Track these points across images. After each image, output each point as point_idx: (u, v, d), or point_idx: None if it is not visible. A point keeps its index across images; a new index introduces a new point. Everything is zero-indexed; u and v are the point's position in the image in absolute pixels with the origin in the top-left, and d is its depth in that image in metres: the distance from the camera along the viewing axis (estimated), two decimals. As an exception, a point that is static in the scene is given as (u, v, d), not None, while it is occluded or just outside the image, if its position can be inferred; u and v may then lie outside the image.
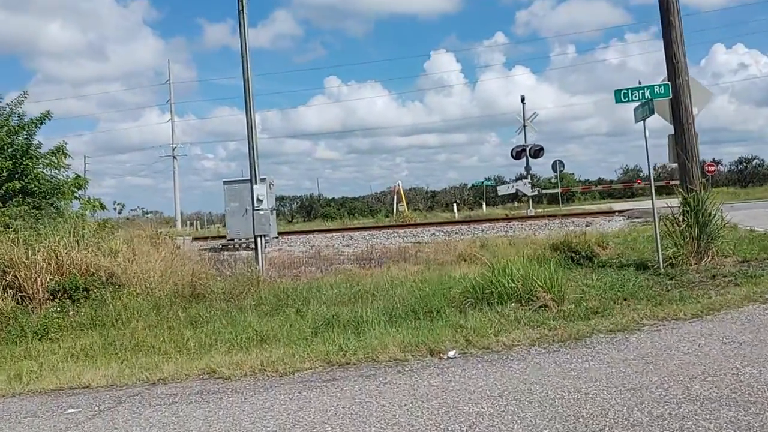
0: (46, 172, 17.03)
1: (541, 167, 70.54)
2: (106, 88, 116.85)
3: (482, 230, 23.56)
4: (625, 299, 8.03)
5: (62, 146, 17.09)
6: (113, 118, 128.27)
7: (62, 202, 16.95)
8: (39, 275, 10.88)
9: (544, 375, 5.26)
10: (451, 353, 6.23)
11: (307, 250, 20.44)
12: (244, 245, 21.01)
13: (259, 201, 13.56)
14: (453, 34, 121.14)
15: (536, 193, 34.19)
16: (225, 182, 22.21)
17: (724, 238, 10.31)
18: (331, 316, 8.43)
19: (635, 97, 9.69)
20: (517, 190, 33.14)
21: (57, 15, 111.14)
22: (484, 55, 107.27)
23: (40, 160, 16.65)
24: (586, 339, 6.38)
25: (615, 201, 57.95)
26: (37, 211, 14.23)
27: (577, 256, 11.74)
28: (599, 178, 75.14)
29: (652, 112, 9.42)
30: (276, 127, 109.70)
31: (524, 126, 31.07)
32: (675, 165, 10.74)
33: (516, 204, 58.35)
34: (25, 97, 17.00)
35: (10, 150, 16.09)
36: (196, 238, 25.28)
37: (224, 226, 24.27)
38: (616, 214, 24.79)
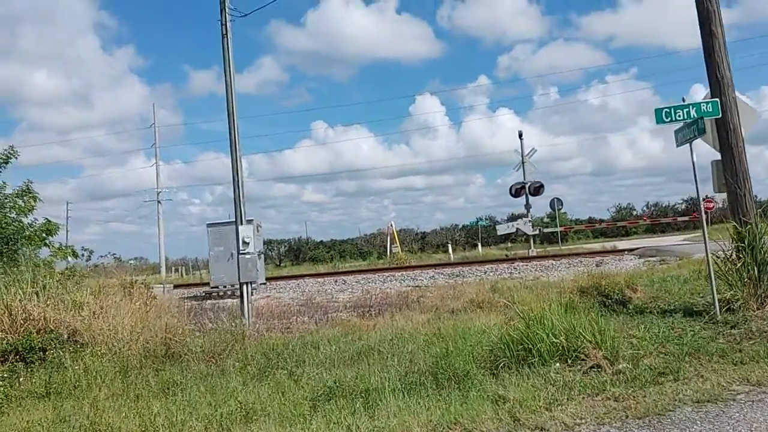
0: (12, 216, 15.51)
1: (536, 205, 69.56)
2: (92, 135, 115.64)
3: (485, 272, 22.12)
4: (692, 355, 6.57)
5: (29, 187, 15.59)
6: (98, 164, 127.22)
7: (28, 249, 15.39)
8: (-14, 334, 9.31)
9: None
10: (498, 439, 4.73)
11: (298, 297, 18.88)
12: (229, 292, 19.42)
13: (245, 243, 12.09)
14: (436, 78, 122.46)
15: (537, 232, 32.86)
16: (209, 225, 20.69)
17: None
18: (333, 382, 6.90)
19: (679, 116, 8.39)
20: (517, 229, 31.81)
21: (42, 63, 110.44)
22: (467, 98, 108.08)
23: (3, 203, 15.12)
24: (670, 414, 4.90)
25: (609, 240, 56.93)
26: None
27: (609, 301, 10.29)
28: (590, 217, 74.20)
29: (701, 132, 8.08)
30: (262, 171, 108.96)
31: (522, 162, 29.91)
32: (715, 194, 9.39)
33: (510, 244, 57.12)
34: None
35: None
36: (178, 286, 23.63)
37: (210, 272, 22.64)
38: (626, 252, 23.45)
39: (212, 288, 20.58)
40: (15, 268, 12.24)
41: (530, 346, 6.76)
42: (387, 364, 7.67)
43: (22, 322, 9.82)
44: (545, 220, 54.80)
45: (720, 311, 8.24)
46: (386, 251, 44.05)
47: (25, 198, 15.69)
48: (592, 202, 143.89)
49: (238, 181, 12.63)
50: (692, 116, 8.34)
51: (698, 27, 9.13)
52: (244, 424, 6.01)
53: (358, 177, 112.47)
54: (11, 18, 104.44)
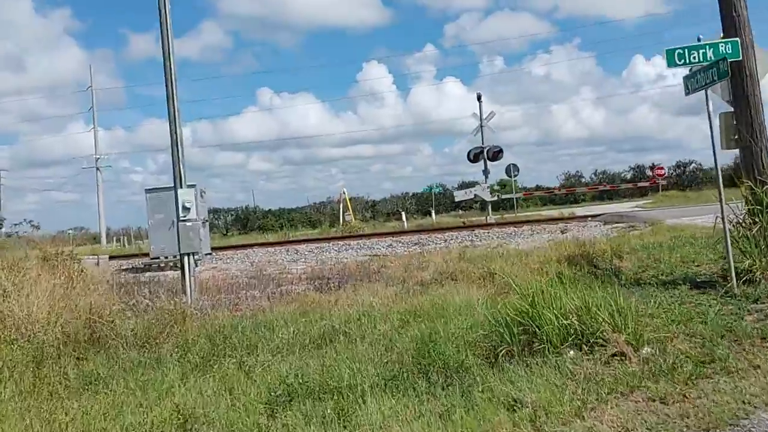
0: None
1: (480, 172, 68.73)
2: (27, 101, 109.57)
3: (445, 240, 21.00)
4: (726, 338, 5.48)
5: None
6: (35, 130, 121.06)
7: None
8: None
9: None
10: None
11: (247, 268, 17.38)
12: (171, 264, 17.75)
13: (186, 209, 10.56)
14: (384, 46, 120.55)
15: (495, 198, 31.90)
16: (147, 190, 18.81)
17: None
18: (294, 376, 5.58)
19: (694, 58, 7.24)
20: (475, 195, 30.75)
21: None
22: (414, 66, 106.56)
23: None
24: (744, 423, 3.76)
25: (558, 207, 56.76)
26: None
27: (598, 271, 9.23)
28: (537, 185, 74.11)
29: (723, 76, 6.89)
30: (207, 139, 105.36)
31: (481, 126, 28.72)
32: (729, 151, 8.34)
33: (461, 212, 56.37)
34: None
35: None
36: (114, 257, 21.76)
37: (149, 241, 20.83)
38: (589, 219, 22.63)
39: (152, 259, 18.84)
40: None
41: (534, 328, 5.56)
42: (357, 350, 6.39)
43: None
44: (495, 187, 54.14)
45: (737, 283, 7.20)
46: (338, 219, 42.62)
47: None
48: (535, 171, 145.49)
49: (176, 140, 11.03)
50: (709, 58, 7.19)
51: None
52: (181, 436, 4.66)
53: (305, 145, 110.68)
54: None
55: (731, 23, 7.81)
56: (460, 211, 56.67)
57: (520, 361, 5.26)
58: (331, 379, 5.35)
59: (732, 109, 8.18)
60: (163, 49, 11.07)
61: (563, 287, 6.07)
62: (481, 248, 16.53)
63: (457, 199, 34.54)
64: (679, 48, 7.30)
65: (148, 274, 16.96)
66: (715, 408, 3.95)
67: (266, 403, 5.07)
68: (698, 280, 8.19)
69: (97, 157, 55.25)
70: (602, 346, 5.25)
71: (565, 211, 34.14)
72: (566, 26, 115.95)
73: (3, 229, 13.14)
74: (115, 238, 57.66)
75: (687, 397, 4.17)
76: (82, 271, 12.24)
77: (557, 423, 3.93)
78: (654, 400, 4.19)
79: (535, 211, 51.90)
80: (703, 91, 7.34)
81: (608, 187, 58.95)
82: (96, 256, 18.49)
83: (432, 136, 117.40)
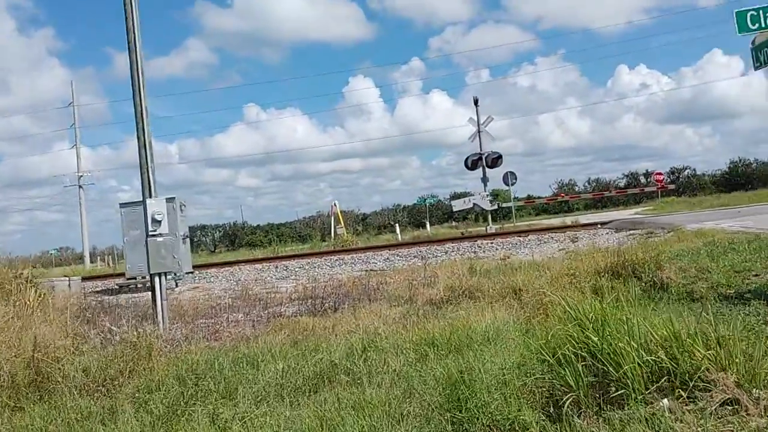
0: None
1: (476, 181, 67.46)
2: (11, 121, 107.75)
3: (446, 252, 19.59)
4: None
5: None
6: (20, 151, 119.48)
7: None
8: None
9: None
10: None
11: (232, 287, 15.87)
12: (148, 285, 16.19)
13: (156, 222, 9.07)
14: (369, 61, 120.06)
15: (496, 207, 30.51)
16: (122, 205, 17.19)
17: None
18: (284, 440, 4.12)
19: (772, 19, 5.89)
20: (474, 204, 29.34)
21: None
22: (400, 80, 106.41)
23: None
24: None
25: (553, 216, 55.64)
26: None
27: (642, 284, 7.84)
28: (528, 195, 73.09)
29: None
30: (194, 156, 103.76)
31: (479, 132, 27.35)
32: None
33: (454, 223, 55.04)
34: None
35: None
36: (89, 278, 20.16)
37: (125, 260, 19.25)
38: (599, 226, 21.26)
39: (128, 279, 17.28)
40: None
41: (606, 367, 4.13)
42: (365, 396, 4.91)
43: None
44: (487, 196, 52.86)
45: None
46: (329, 233, 41.13)
47: None
48: (523, 182, 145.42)
49: (144, 141, 9.57)
50: (790, 20, 5.86)
51: None
52: None
53: (293, 160, 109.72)
54: None
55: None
56: (454, 222, 55.39)
57: (593, 414, 3.84)
58: (335, 444, 3.89)
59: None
60: (128, 35, 9.64)
61: (630, 308, 4.67)
62: (487, 260, 15.14)
63: (455, 209, 33.10)
64: (752, 9, 5.95)
65: (123, 296, 15.41)
66: None
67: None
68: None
69: (80, 174, 53.54)
70: (704, 390, 3.83)
71: (565, 219, 32.89)
72: (550, 37, 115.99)
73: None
74: (99, 258, 55.97)
75: None
76: (41, 296, 10.71)
77: None
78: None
79: (530, 220, 50.70)
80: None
81: (614, 192, 58.10)
82: (67, 278, 16.89)
83: (420, 149, 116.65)
